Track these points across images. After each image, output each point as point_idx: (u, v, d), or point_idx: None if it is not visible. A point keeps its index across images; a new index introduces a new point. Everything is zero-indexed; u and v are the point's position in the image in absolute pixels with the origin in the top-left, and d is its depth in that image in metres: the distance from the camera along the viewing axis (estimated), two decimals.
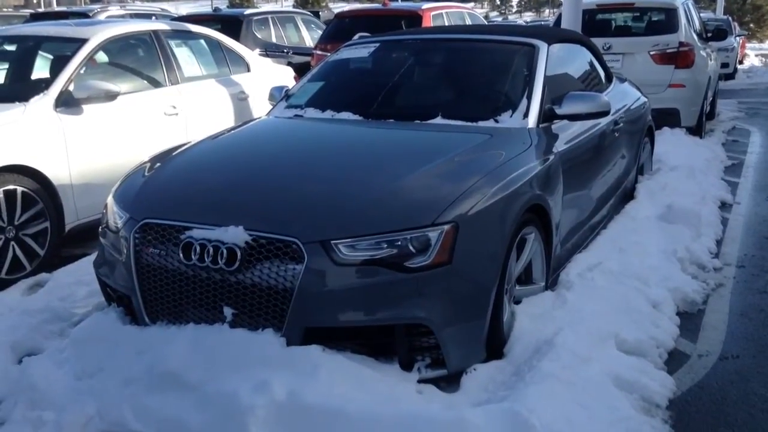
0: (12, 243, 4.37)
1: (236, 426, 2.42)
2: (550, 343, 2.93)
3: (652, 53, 8.20)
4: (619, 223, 4.75)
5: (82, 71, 5.01)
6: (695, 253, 4.41)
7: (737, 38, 19.24)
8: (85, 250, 4.69)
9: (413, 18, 9.52)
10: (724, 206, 5.82)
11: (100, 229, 3.42)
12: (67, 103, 4.79)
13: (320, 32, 11.38)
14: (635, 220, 4.76)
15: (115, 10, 13.78)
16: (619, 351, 3.07)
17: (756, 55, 26.30)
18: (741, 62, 21.51)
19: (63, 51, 5.19)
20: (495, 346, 2.99)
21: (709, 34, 9.73)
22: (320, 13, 20.93)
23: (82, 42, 5.14)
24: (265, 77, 6.73)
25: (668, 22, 8.36)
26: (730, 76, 17.42)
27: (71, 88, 4.84)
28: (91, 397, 2.66)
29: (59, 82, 4.82)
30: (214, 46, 6.56)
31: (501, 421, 2.36)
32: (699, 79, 8.39)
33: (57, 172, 4.61)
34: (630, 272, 3.82)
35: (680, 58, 8.14)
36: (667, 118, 7.94)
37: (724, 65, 15.49)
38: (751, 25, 35.52)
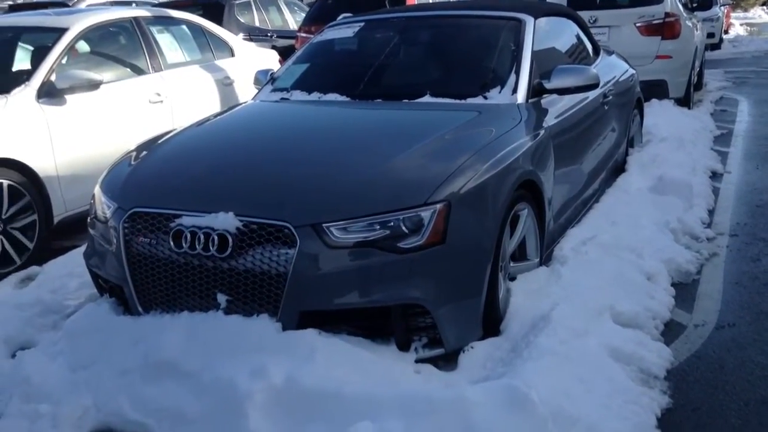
0: (0, 237, 4.32)
1: (235, 412, 2.41)
2: (547, 318, 2.92)
3: (638, 25, 8.16)
4: (611, 196, 4.75)
5: (63, 61, 4.94)
6: (688, 224, 4.41)
7: (722, 8, 19.18)
8: (74, 242, 4.64)
9: None
10: (715, 176, 5.82)
11: (88, 220, 3.38)
12: (49, 93, 4.72)
13: (303, 14, 11.27)
14: (627, 193, 4.75)
15: None
16: (615, 324, 3.07)
17: (741, 24, 26.27)
18: (726, 32, 21.49)
19: (43, 41, 5.11)
20: (491, 324, 2.99)
21: (695, 4, 9.70)
22: None
23: (62, 31, 5.06)
24: (249, 61, 6.66)
25: None
26: (716, 46, 17.40)
27: (53, 78, 4.77)
28: (87, 388, 2.64)
29: (41, 73, 4.74)
30: (197, 31, 6.48)
31: (500, 397, 2.35)
32: (686, 49, 8.37)
33: (43, 164, 4.55)
34: (623, 245, 3.81)
35: (666, 29, 8.10)
36: (655, 89, 7.92)
37: (710, 35, 15.46)
38: None
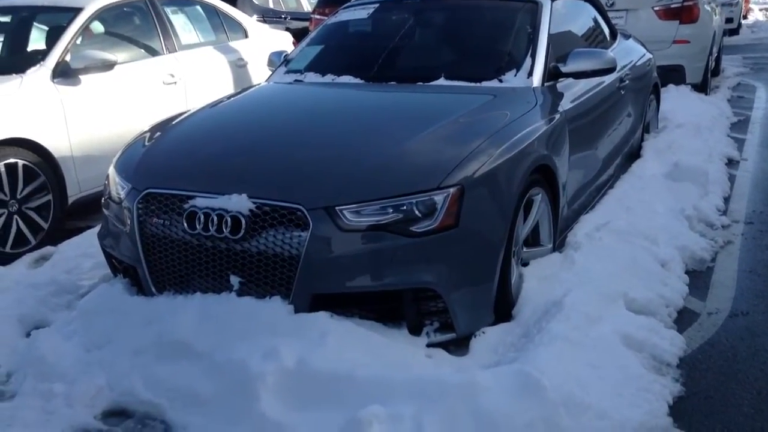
0: (15, 217, 4.34)
1: (246, 393, 2.42)
2: (559, 304, 2.91)
3: (656, 9, 8.06)
4: (625, 182, 4.71)
5: (78, 41, 4.94)
6: (703, 211, 4.37)
7: None
8: (89, 223, 4.66)
9: None
10: (731, 163, 5.77)
11: (102, 201, 3.40)
12: (64, 73, 4.72)
13: None
14: (642, 179, 4.71)
15: None
16: (629, 310, 3.06)
17: (760, 10, 25.89)
18: (745, 17, 21.20)
19: (58, 21, 5.11)
20: (503, 309, 2.98)
21: None
22: None
23: (76, 11, 5.05)
24: (263, 43, 6.64)
25: None
26: (735, 32, 17.17)
27: (68, 58, 4.77)
28: (101, 368, 2.67)
29: (55, 53, 4.74)
30: (211, 12, 6.45)
31: (511, 382, 2.35)
32: (704, 34, 8.25)
33: (57, 144, 4.56)
34: (638, 231, 3.78)
35: (685, 13, 8.00)
36: (672, 74, 7.83)
37: (729, 20, 15.24)
38: None
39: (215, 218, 2.78)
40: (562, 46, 3.99)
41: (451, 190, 2.75)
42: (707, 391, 2.69)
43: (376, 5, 4.61)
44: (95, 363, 2.69)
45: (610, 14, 6.05)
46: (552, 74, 3.79)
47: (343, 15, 4.70)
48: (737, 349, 2.98)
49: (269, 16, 10.13)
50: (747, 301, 3.42)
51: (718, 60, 10.16)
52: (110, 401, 2.59)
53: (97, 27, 5.32)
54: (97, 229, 3.61)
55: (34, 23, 5.46)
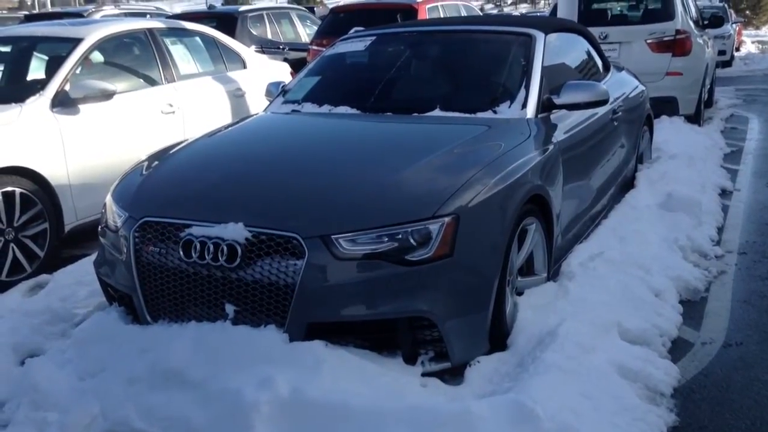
0: (12, 245, 4.35)
1: (241, 422, 2.41)
2: (554, 333, 2.92)
3: (648, 41, 8.17)
4: (619, 212, 4.74)
5: (77, 71, 4.99)
6: (696, 241, 4.40)
7: (733, 25, 19.19)
8: (85, 251, 4.67)
9: (409, 11, 9.49)
10: (725, 193, 5.81)
11: (99, 229, 3.41)
12: (63, 103, 4.76)
13: (315, 28, 11.35)
14: (636, 209, 4.74)
15: (109, 9, 13.75)
16: (623, 340, 3.06)
17: (752, 42, 26.24)
18: (738, 49, 21.47)
19: (58, 51, 5.17)
20: (498, 338, 2.99)
21: (706, 22, 9.70)
22: (315, 9, 20.92)
23: (77, 42, 5.12)
24: (261, 74, 6.71)
25: (665, 9, 8.33)
26: (727, 64, 17.39)
27: (67, 88, 4.82)
28: (95, 396, 2.65)
29: (55, 83, 4.79)
30: (210, 43, 6.53)
31: (506, 412, 2.35)
32: (696, 66, 8.36)
33: (55, 173, 4.59)
34: (632, 261, 3.80)
35: (677, 46, 8.11)
36: (665, 106, 7.92)
37: (721, 53, 15.46)
38: (747, 12, 35.58)
39: (211, 247, 2.80)
40: (555, 78, 4.05)
41: (446, 219, 2.78)
42: (701, 421, 2.69)
43: (373, 37, 4.68)
44: (89, 392, 2.68)
45: (604, 47, 6.13)
46: (546, 106, 3.85)
47: (341, 47, 4.77)
48: (731, 379, 2.99)
49: (267, 47, 10.23)
50: (741, 331, 3.43)
51: (711, 92, 10.27)
52: (104, 430, 2.57)
53: (97, 57, 5.38)
54: (93, 257, 3.61)
55: (35, 53, 5.52)
